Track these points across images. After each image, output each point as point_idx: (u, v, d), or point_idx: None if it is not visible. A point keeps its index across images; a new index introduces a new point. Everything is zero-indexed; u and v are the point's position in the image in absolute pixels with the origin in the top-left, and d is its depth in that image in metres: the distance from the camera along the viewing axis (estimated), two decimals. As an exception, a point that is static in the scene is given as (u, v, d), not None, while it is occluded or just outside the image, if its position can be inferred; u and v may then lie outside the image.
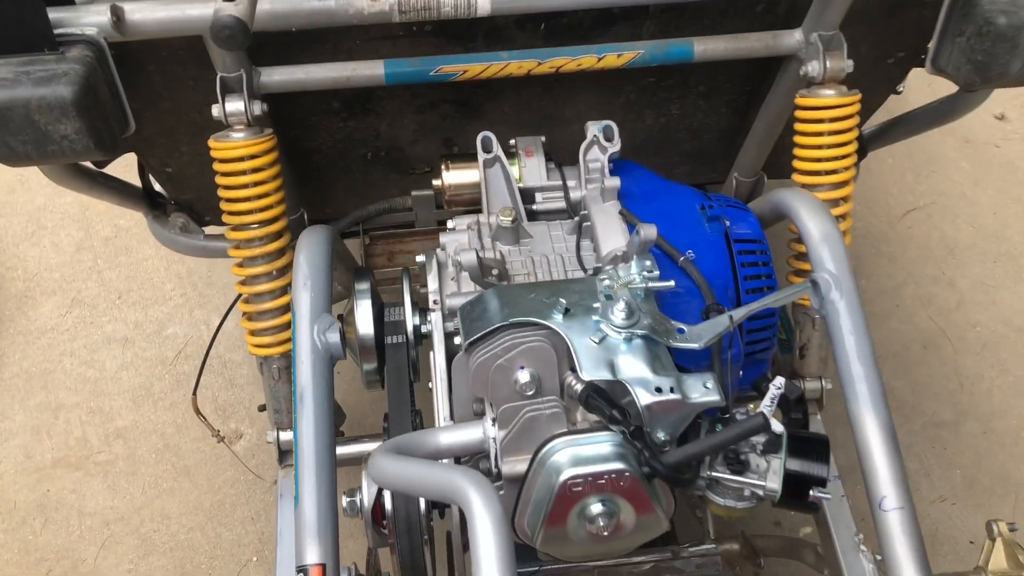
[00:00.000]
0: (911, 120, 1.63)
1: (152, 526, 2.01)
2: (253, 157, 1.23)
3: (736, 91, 1.51)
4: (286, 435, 1.39)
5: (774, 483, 0.99)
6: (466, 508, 0.81)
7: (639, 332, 0.98)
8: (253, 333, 1.33)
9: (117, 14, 1.09)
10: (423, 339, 1.23)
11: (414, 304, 1.24)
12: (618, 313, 0.98)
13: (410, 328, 1.22)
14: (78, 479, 2.07)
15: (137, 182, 1.61)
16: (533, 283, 1.13)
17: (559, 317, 1.00)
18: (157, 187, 1.67)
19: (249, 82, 1.21)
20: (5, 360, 2.27)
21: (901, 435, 2.11)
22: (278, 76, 1.24)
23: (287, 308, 1.32)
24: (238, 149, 1.22)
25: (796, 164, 1.35)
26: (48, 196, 2.63)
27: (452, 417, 1.09)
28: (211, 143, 1.24)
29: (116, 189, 1.53)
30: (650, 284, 1.02)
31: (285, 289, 1.31)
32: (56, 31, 1.07)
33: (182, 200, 1.63)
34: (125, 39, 1.12)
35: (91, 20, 1.10)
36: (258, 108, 1.22)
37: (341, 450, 1.38)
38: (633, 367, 0.97)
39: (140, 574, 1.95)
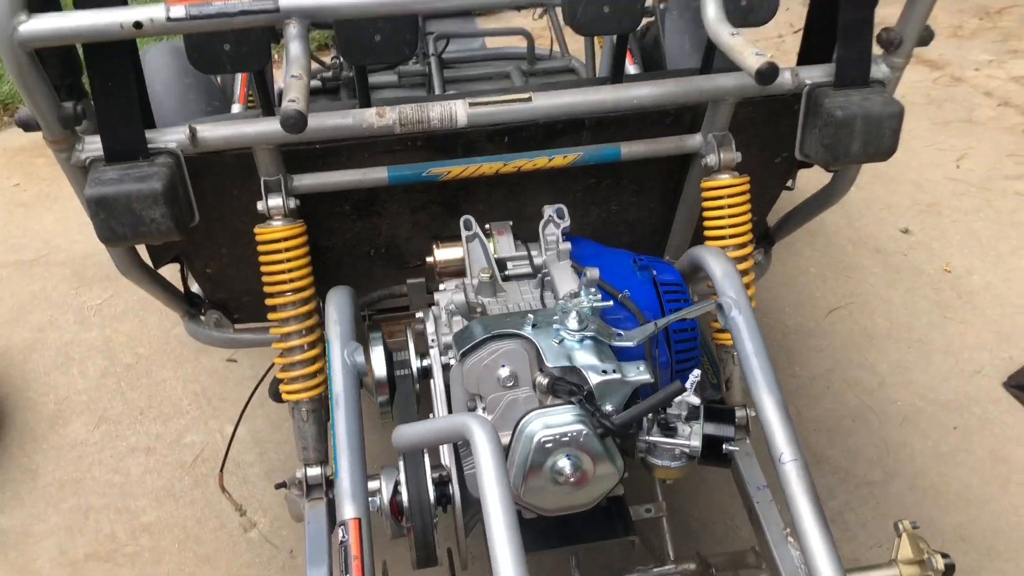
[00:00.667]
0: (803, 209, 2.05)
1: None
2: (287, 239, 1.60)
3: (660, 188, 1.92)
4: (313, 471, 1.68)
5: (696, 442, 1.32)
6: (469, 436, 1.12)
7: (588, 334, 1.33)
8: (285, 382, 1.65)
9: (192, 132, 1.49)
10: (424, 376, 1.56)
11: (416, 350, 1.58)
12: (572, 321, 1.33)
13: (414, 366, 1.55)
14: (108, 570, 2.30)
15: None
16: (507, 312, 1.48)
17: (529, 328, 1.35)
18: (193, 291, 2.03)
19: (285, 184, 1.60)
20: (39, 471, 2.53)
21: (838, 494, 2.44)
22: (307, 180, 1.63)
23: (314, 360, 1.65)
24: (277, 233, 1.59)
25: (706, 233, 1.74)
26: (75, 333, 2.96)
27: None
28: (256, 230, 1.61)
29: (163, 287, 1.88)
30: (595, 304, 1.37)
31: (313, 344, 1.64)
32: (148, 146, 1.46)
33: (216, 299, 1.98)
34: (196, 151, 1.51)
35: (173, 137, 1.49)
36: (292, 203, 1.60)
37: None
38: (585, 358, 1.31)
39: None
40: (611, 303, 1.39)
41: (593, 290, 1.40)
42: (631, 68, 2.72)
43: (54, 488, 2.49)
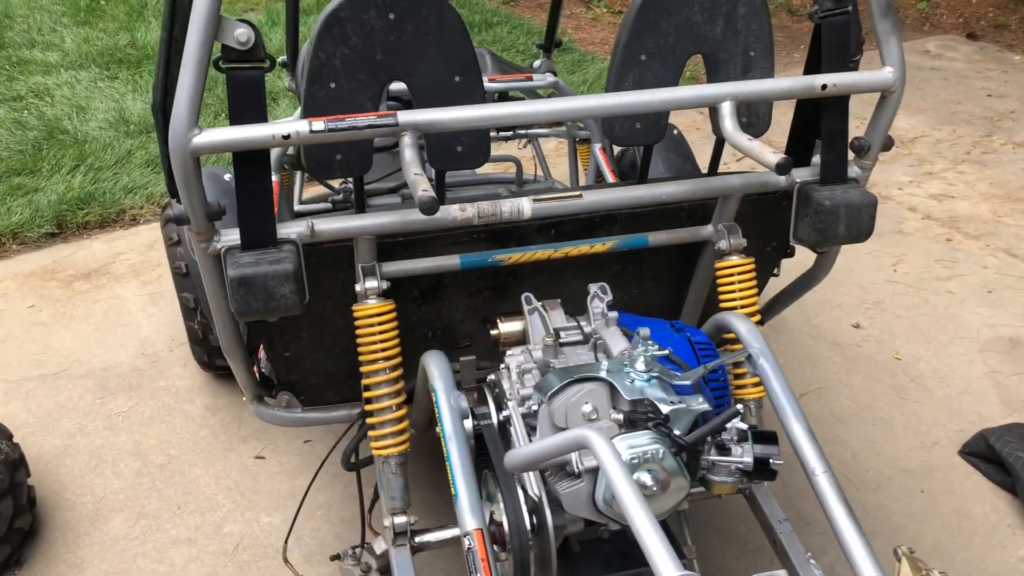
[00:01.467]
0: (790, 291, 2.42)
1: None
2: (381, 314, 1.89)
3: (672, 275, 2.27)
4: (399, 519, 1.91)
5: (748, 458, 1.61)
6: (588, 444, 1.40)
7: (654, 374, 1.63)
8: (376, 439, 1.90)
9: (311, 225, 1.79)
10: (501, 428, 1.83)
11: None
12: (639, 364, 1.64)
13: (495, 418, 1.82)
14: (163, 652, 2.42)
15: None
16: (579, 364, 1.78)
17: (604, 372, 1.65)
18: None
19: (378, 269, 1.90)
20: (85, 565, 2.66)
21: (829, 552, 2.75)
22: (394, 267, 1.93)
23: (401, 419, 1.91)
24: (372, 310, 1.88)
25: (722, 305, 2.08)
26: (105, 438, 3.12)
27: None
28: (355, 307, 1.89)
29: (248, 371, 2.13)
30: (655, 352, 1.69)
31: (400, 406, 1.91)
32: (278, 236, 1.76)
33: (288, 381, 2.23)
34: (313, 241, 1.80)
35: (295, 230, 1.79)
36: (384, 285, 1.89)
37: (423, 537, 1.92)
38: (654, 392, 1.61)
39: None
40: (666, 352, 1.71)
41: (650, 342, 1.72)
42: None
43: (102, 579, 2.61)
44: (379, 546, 2.10)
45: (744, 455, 1.62)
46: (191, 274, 2.93)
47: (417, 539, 1.93)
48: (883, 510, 2.87)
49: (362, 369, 1.91)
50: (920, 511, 2.87)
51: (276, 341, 2.11)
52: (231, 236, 1.76)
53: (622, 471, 1.35)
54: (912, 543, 2.75)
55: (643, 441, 1.55)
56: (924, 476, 2.99)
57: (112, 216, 4.44)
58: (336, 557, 2.21)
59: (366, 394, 1.91)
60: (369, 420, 1.92)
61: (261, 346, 2.30)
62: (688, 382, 1.66)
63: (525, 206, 1.89)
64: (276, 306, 1.72)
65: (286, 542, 2.30)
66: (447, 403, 1.70)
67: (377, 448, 1.91)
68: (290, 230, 1.78)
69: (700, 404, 1.61)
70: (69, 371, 3.44)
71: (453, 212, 1.86)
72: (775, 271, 2.43)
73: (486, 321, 2.20)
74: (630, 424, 1.59)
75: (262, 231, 1.73)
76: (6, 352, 3.54)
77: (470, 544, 1.51)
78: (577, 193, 1.92)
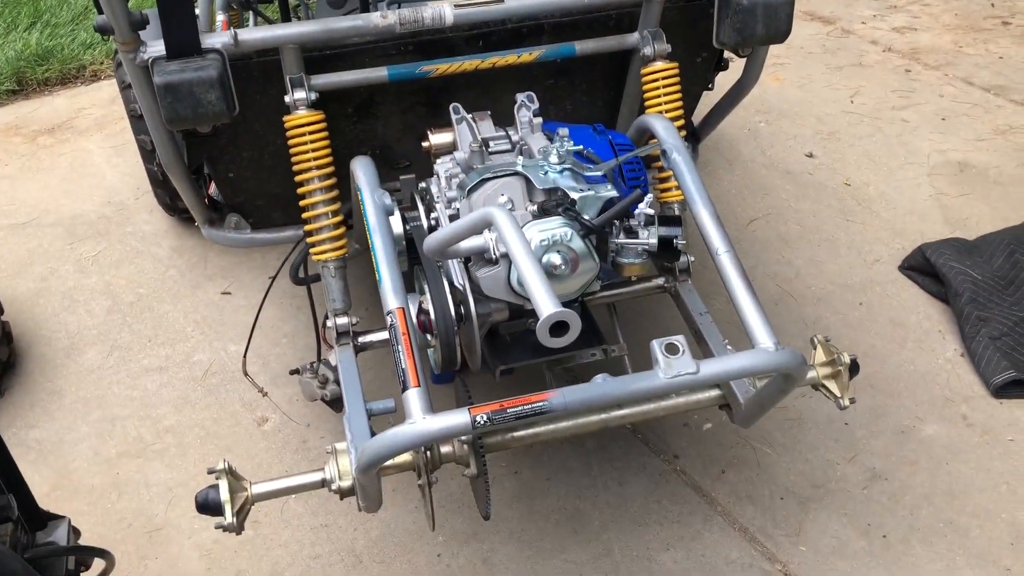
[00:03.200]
0: (722, 105, 2.47)
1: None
2: (311, 124, 1.95)
3: (605, 89, 2.32)
4: (341, 320, 2.03)
5: (654, 240, 1.71)
6: (492, 219, 1.49)
7: (567, 166, 1.72)
8: (315, 246, 2.00)
9: (235, 34, 1.83)
10: (431, 230, 1.92)
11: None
12: (553, 158, 1.72)
13: (425, 222, 1.91)
14: (140, 464, 2.59)
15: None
16: (499, 163, 1.86)
17: (519, 166, 1.73)
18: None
19: (306, 81, 1.95)
20: (63, 393, 2.81)
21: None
22: (322, 80, 1.98)
23: (338, 225, 2.00)
24: (302, 120, 1.95)
25: (648, 110, 2.15)
26: (76, 280, 3.23)
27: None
28: (285, 119, 1.95)
29: (194, 189, 2.21)
30: (569, 148, 1.76)
31: (336, 213, 2.00)
32: (202, 45, 1.80)
33: (235, 203, 2.31)
34: (238, 51, 1.85)
35: (219, 40, 1.83)
36: (313, 96, 1.95)
37: (366, 337, 2.04)
38: (566, 182, 1.70)
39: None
40: (581, 148, 1.79)
41: (566, 139, 1.79)
42: None
43: (79, 404, 2.77)
44: (334, 359, 2.23)
45: (650, 237, 1.73)
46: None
47: (360, 339, 2.05)
48: (821, 321, 3.01)
49: (297, 179, 1.99)
50: (857, 321, 3.01)
51: (218, 161, 2.18)
52: (157, 47, 1.80)
53: (513, 228, 1.46)
54: (847, 349, 2.89)
55: (553, 225, 1.65)
56: (863, 290, 3.12)
57: (72, 72, 4.43)
58: (295, 371, 2.34)
59: (302, 202, 2.00)
60: (307, 228, 2.01)
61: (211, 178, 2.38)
62: (599, 173, 1.74)
63: (447, 12, 1.93)
64: (204, 113, 1.78)
65: (244, 357, 2.43)
66: (371, 200, 1.79)
67: (316, 254, 2.01)
68: (214, 40, 1.83)
69: (608, 191, 1.69)
70: (38, 220, 3.52)
71: (375, 19, 1.90)
72: (709, 85, 2.48)
73: (424, 137, 2.26)
74: (543, 213, 1.69)
75: (185, 40, 1.78)
76: (-25, 204, 3.61)
77: (392, 321, 1.62)
78: (500, -1, 1.96)
